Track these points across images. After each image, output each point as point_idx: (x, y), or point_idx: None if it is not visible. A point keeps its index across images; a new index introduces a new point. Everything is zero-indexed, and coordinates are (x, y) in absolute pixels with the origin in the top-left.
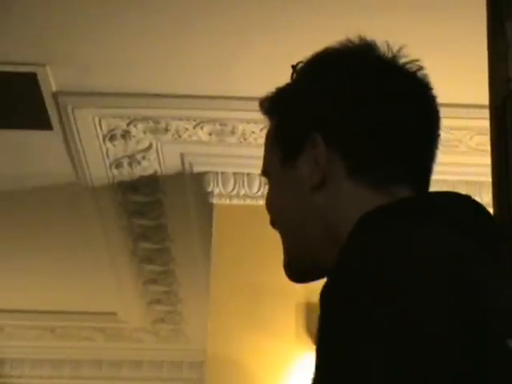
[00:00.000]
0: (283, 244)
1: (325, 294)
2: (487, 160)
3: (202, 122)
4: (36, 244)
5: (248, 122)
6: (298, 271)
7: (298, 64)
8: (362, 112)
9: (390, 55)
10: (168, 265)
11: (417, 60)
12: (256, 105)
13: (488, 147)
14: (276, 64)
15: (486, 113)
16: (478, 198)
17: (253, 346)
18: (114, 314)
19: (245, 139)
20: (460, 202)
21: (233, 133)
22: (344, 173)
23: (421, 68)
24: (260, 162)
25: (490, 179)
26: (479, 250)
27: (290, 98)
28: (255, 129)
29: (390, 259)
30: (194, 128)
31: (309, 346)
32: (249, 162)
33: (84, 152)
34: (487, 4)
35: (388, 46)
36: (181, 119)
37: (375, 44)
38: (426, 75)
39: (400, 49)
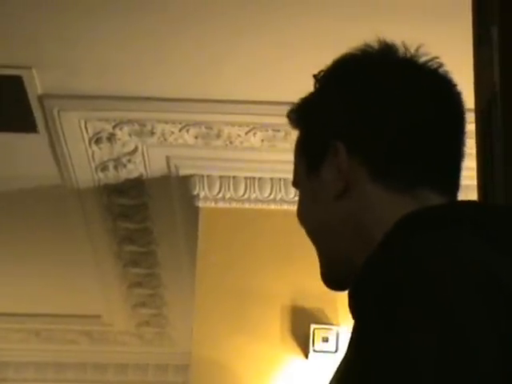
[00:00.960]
0: (317, 254)
1: (364, 290)
2: (473, 163)
3: (187, 125)
4: (20, 247)
5: (233, 125)
6: (334, 279)
7: (319, 73)
8: (381, 117)
9: (408, 55)
10: (153, 268)
11: (437, 57)
12: (242, 108)
13: (473, 151)
14: (262, 68)
15: (472, 116)
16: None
17: (238, 349)
18: (98, 316)
19: (231, 142)
20: (491, 212)
21: (218, 136)
22: (367, 178)
23: (441, 65)
24: (245, 165)
25: (475, 182)
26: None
27: (311, 108)
28: (241, 132)
29: (435, 259)
30: (179, 131)
31: (294, 349)
32: (234, 165)
33: (70, 155)
34: (473, 9)
35: (405, 46)
36: (166, 122)
37: (393, 46)
38: (447, 72)
39: (418, 47)
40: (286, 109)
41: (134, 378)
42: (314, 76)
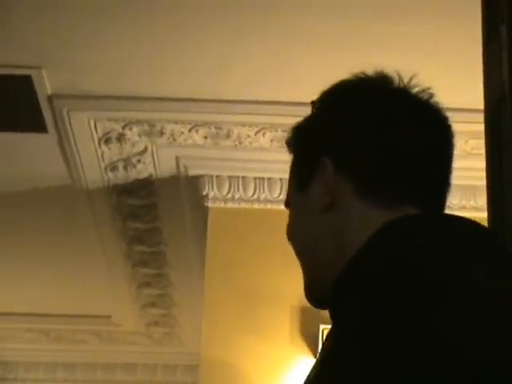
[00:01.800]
0: (302, 270)
1: (347, 291)
2: (482, 164)
3: (197, 125)
4: (30, 247)
5: (243, 125)
6: (315, 297)
7: (316, 99)
8: (369, 136)
9: (401, 85)
10: (162, 268)
11: (428, 88)
12: (252, 108)
13: (483, 151)
14: (272, 68)
15: (481, 117)
16: (472, 202)
17: (247, 349)
18: (108, 317)
19: (240, 143)
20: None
21: (228, 136)
22: (353, 194)
23: (432, 95)
24: (255, 166)
25: (484, 183)
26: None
27: (303, 130)
28: (250, 132)
29: (423, 260)
30: (189, 131)
31: (303, 349)
32: (244, 166)
33: (79, 155)
34: (482, 8)
35: (400, 76)
36: (176, 122)
37: (389, 76)
38: (438, 102)
39: (411, 78)
40: (295, 109)
41: (143, 378)
42: (311, 102)
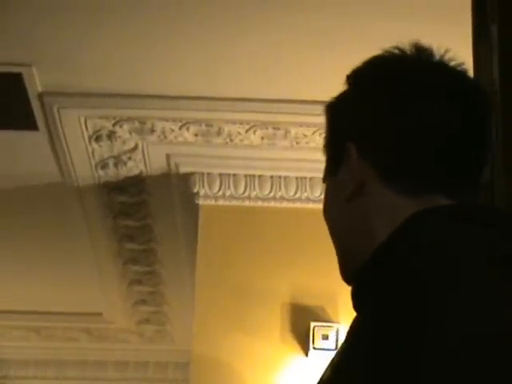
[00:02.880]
0: (336, 251)
1: (375, 278)
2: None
3: (187, 122)
4: (21, 244)
5: (234, 122)
6: (347, 276)
7: (350, 73)
8: (394, 121)
9: (435, 60)
10: (153, 265)
11: (463, 63)
12: (242, 106)
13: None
14: (263, 66)
15: None
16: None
17: (238, 346)
18: (99, 314)
19: (231, 140)
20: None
21: (219, 134)
22: (378, 181)
23: (467, 70)
24: (245, 163)
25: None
26: None
27: (333, 111)
28: (241, 130)
29: (447, 244)
30: (179, 129)
31: (294, 347)
32: (235, 163)
33: (70, 152)
34: (472, 7)
35: (431, 50)
36: (167, 120)
37: (423, 49)
38: (474, 79)
39: (446, 52)
40: (285, 106)
41: (135, 376)
42: (346, 76)
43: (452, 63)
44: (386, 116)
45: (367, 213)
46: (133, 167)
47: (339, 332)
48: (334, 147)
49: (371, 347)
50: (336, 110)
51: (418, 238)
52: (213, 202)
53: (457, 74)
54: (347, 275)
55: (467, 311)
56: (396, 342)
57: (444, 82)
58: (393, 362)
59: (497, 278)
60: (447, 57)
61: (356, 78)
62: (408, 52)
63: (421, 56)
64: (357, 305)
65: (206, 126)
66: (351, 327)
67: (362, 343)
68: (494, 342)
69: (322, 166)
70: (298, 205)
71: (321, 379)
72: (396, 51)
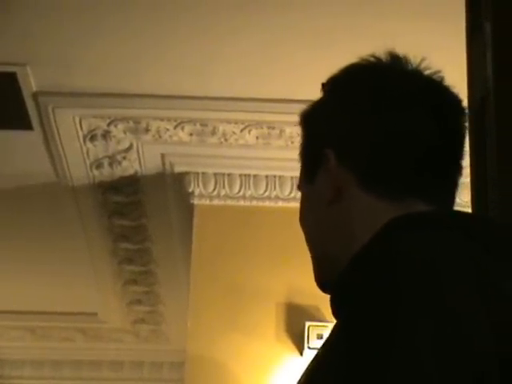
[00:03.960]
0: (311, 257)
1: (352, 286)
2: (466, 161)
3: (182, 122)
4: (15, 244)
5: (229, 122)
6: (324, 283)
7: (326, 81)
8: (371, 126)
9: (411, 68)
10: (148, 265)
11: (439, 71)
12: (237, 105)
13: (467, 148)
14: (257, 65)
15: None
16: (456, 199)
17: (233, 346)
18: (94, 314)
19: (226, 140)
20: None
21: (213, 133)
22: (356, 187)
23: (443, 78)
24: (240, 163)
25: (468, 180)
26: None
27: (309, 118)
28: (236, 129)
29: (423, 250)
30: (174, 128)
31: (289, 346)
32: (229, 163)
33: (64, 152)
34: (466, 4)
35: (407, 59)
36: (161, 119)
37: (399, 57)
38: (450, 85)
39: (422, 60)
40: (280, 106)
41: (130, 375)
42: (322, 84)
43: (427, 72)
44: (363, 123)
45: (347, 218)
46: (128, 167)
47: None
48: (311, 154)
49: (345, 354)
50: (313, 118)
51: (396, 244)
52: (208, 202)
53: (432, 82)
54: (323, 282)
55: (438, 320)
56: (367, 349)
57: (419, 90)
58: (364, 369)
59: (471, 291)
60: (423, 65)
61: (333, 85)
62: (384, 60)
63: (396, 64)
64: (336, 311)
65: (201, 125)
66: (330, 334)
67: (337, 350)
68: (463, 351)
69: None
70: (292, 204)
71: None
72: (372, 59)
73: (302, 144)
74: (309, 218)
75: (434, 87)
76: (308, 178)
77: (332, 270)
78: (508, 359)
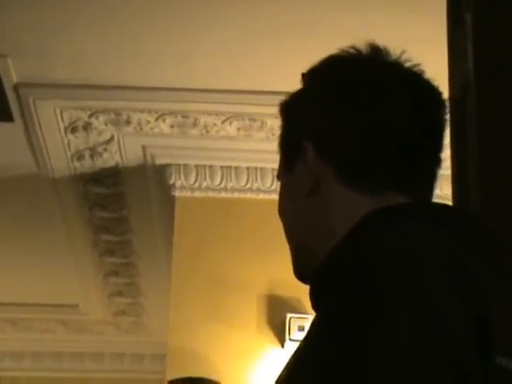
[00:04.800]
0: (289, 248)
1: (330, 279)
2: (446, 152)
3: (163, 114)
4: None
5: (210, 114)
6: (302, 273)
7: (306, 72)
8: (349, 118)
9: (391, 60)
10: (129, 257)
11: (419, 64)
12: (218, 97)
13: (447, 139)
14: (238, 57)
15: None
16: (437, 191)
17: (214, 338)
18: (75, 306)
19: (207, 131)
20: (457, 213)
21: (195, 125)
22: (334, 179)
23: (423, 72)
24: (222, 154)
25: (449, 172)
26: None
27: (291, 107)
28: (217, 121)
29: (399, 242)
30: (155, 120)
31: (270, 338)
32: (211, 155)
33: (45, 144)
34: None
35: (388, 51)
36: (143, 111)
37: (379, 49)
38: (430, 79)
39: (402, 53)
40: (262, 98)
41: (111, 367)
42: (302, 74)
43: (408, 64)
44: (341, 115)
45: (325, 210)
46: (109, 159)
47: None
48: (289, 145)
49: (324, 348)
50: (292, 108)
51: (374, 236)
52: (189, 194)
53: (412, 74)
54: (301, 273)
55: (418, 314)
56: (346, 343)
57: (399, 83)
58: (344, 364)
59: (451, 287)
60: (403, 58)
61: (312, 77)
62: (364, 52)
63: (376, 56)
64: (315, 304)
65: (182, 117)
66: (309, 327)
67: (316, 344)
68: (442, 346)
69: None
70: (274, 196)
71: (277, 379)
72: (352, 51)
73: (281, 134)
74: (287, 208)
75: (414, 79)
76: (287, 169)
77: (310, 262)
78: (487, 355)
